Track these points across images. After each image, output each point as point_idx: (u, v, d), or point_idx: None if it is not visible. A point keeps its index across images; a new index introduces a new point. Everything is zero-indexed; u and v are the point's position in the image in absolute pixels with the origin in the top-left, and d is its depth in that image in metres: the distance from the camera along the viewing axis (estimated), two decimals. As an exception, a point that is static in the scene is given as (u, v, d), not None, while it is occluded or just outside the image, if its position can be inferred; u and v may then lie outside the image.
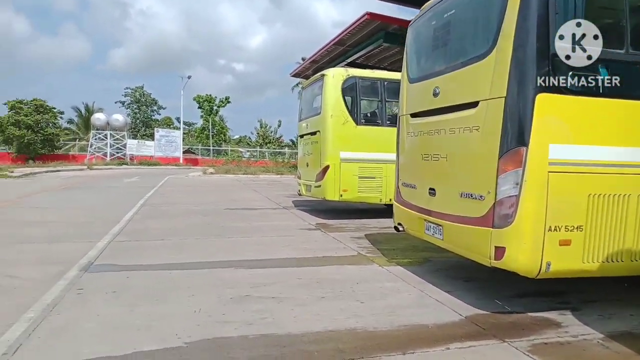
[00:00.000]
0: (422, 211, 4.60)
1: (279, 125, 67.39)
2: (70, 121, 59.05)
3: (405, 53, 5.33)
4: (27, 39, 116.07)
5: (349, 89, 8.76)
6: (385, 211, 8.68)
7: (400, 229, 5.19)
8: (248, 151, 50.99)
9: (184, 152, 43.72)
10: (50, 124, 39.61)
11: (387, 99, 8.91)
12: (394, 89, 7.77)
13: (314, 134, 9.24)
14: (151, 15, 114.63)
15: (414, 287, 4.31)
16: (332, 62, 22.52)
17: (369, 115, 9.17)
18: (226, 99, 62.30)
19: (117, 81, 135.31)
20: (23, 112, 37.58)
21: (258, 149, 52.53)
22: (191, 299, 3.80)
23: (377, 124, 8.90)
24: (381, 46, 18.39)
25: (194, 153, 48.12)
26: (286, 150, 55.91)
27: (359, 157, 8.66)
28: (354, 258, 5.56)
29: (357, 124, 8.71)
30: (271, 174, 25.18)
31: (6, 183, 16.61)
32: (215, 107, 60.44)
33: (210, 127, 56.24)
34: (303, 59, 64.33)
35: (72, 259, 5.11)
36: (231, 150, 48.73)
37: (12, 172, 20.69)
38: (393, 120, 7.93)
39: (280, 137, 67.24)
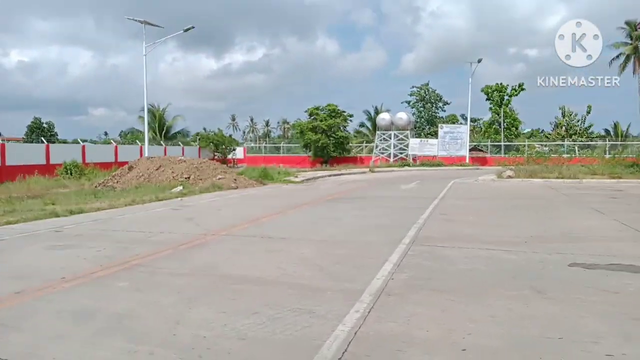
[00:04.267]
0: None
1: (588, 113, 53.99)
2: (361, 124, 63.06)
3: None
4: (337, 56, 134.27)
5: None
6: None
7: None
8: (546, 145, 41.67)
9: (470, 150, 38.70)
10: (341, 127, 41.62)
11: None
12: None
13: None
14: (440, 15, 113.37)
15: None
16: None
17: None
18: (520, 86, 53.83)
19: (407, 84, 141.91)
20: (319, 117, 40.57)
21: (566, 142, 42.32)
22: None
23: None
24: None
25: (481, 151, 42.46)
26: (603, 143, 43.40)
27: None
28: None
29: None
30: (600, 177, 17.43)
31: (282, 191, 15.74)
32: (506, 97, 53.04)
33: (501, 120, 49.27)
34: (628, 23, 49.19)
35: None
36: (528, 146, 40.74)
37: (296, 176, 20.62)
38: None
39: (589, 126, 53.77)
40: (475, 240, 6.32)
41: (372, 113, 57.56)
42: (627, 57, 50.74)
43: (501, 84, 52.98)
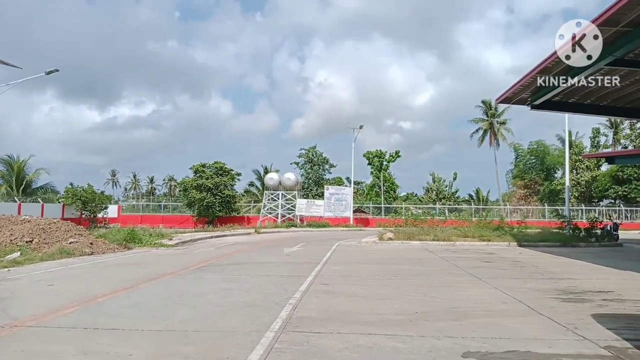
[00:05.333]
0: None
1: (454, 179, 59.98)
2: (251, 184, 62.07)
3: None
4: (231, 116, 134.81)
5: None
6: None
7: None
8: (420, 208, 44.69)
9: (354, 212, 39.62)
10: (229, 186, 39.99)
11: None
12: None
13: None
14: (327, 86, 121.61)
15: None
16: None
17: None
18: (396, 153, 58.30)
19: (298, 147, 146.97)
20: (205, 175, 38.63)
21: (437, 205, 45.68)
22: None
23: None
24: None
25: (364, 212, 43.84)
26: (468, 207, 47.78)
27: None
28: None
29: None
30: (471, 239, 18.32)
31: (147, 257, 13.65)
32: (385, 162, 56.74)
33: (381, 183, 52.09)
34: (484, 102, 56.61)
35: None
36: (404, 208, 43.13)
37: (171, 239, 18.45)
38: None
39: (456, 191, 59.49)
40: (356, 321, 5.37)
41: (262, 173, 57.20)
42: (485, 132, 58.16)
43: (380, 150, 56.76)
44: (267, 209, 39.37)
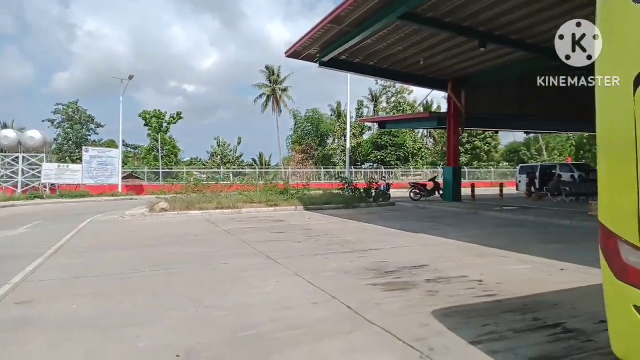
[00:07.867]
0: None
1: (239, 143, 58.99)
2: (-18, 145, 47.95)
3: None
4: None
5: None
6: None
7: None
8: (204, 173, 41.92)
9: (124, 178, 33.93)
10: None
11: None
12: None
13: None
14: (99, 37, 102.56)
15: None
16: (335, 42, 14.76)
17: None
18: (178, 114, 53.20)
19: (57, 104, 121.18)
20: None
21: (222, 170, 43.46)
22: None
23: None
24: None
25: (138, 178, 38.27)
26: (252, 170, 47.18)
27: None
28: None
29: None
30: (258, 205, 16.50)
31: None
32: (165, 124, 51.17)
33: (159, 146, 46.70)
34: (267, 68, 56.22)
35: None
36: (186, 173, 39.52)
37: None
38: None
39: (240, 156, 58.73)
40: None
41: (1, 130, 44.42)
42: (268, 97, 58.32)
43: (159, 110, 50.86)
44: (2, 177, 30.16)
